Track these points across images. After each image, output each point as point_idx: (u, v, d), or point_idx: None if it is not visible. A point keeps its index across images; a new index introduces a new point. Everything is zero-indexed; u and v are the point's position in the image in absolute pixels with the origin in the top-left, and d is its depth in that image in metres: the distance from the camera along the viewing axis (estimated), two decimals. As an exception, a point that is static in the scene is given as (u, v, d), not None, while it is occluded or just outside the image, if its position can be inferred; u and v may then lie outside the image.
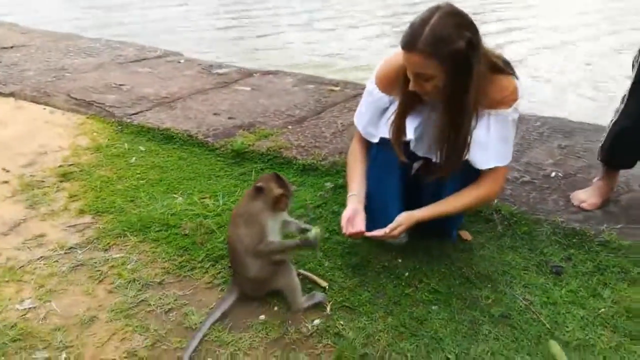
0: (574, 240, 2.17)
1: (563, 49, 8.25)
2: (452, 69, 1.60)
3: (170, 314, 1.81)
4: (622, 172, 2.72)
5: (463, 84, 1.63)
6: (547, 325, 1.75)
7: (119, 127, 3.25)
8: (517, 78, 1.80)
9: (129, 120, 3.30)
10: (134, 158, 2.87)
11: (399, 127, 1.88)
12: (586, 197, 2.39)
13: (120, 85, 3.95)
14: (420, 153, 1.93)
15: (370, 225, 1.93)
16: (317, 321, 1.78)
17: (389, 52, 1.94)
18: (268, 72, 4.52)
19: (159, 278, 1.98)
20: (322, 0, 12.97)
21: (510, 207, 2.32)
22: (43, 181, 2.63)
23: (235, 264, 1.84)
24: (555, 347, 1.66)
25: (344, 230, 1.90)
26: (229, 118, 3.36)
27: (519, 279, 1.97)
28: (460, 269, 2.00)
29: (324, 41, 8.59)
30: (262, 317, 1.81)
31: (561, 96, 6.03)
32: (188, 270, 2.02)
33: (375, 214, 1.98)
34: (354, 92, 3.92)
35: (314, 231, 1.82)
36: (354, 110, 3.46)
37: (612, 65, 7.04)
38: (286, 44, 8.50)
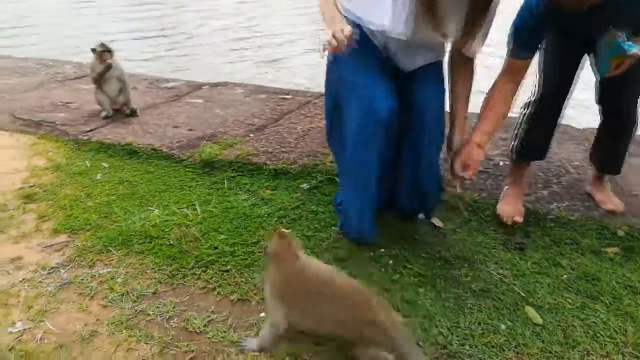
0: (530, 219, 2.42)
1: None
2: None
3: (172, 321, 1.83)
4: (557, 157, 3.06)
5: None
6: (522, 294, 1.96)
7: (76, 145, 3.16)
8: None
9: (85, 138, 3.22)
10: (99, 175, 2.82)
11: None
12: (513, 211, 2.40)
13: (67, 103, 3.83)
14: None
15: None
16: (316, 313, 1.87)
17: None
18: (217, 84, 4.55)
19: (152, 288, 1.98)
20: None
21: (472, 195, 2.54)
22: (5, 204, 2.52)
23: None
24: (531, 311, 1.87)
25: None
26: (189, 130, 3.38)
27: (490, 256, 2.17)
28: (438, 252, 2.17)
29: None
30: (262, 314, 1.87)
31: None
32: (180, 278, 2.04)
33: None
34: (305, 99, 4.05)
35: None
36: (310, 116, 3.69)
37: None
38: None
